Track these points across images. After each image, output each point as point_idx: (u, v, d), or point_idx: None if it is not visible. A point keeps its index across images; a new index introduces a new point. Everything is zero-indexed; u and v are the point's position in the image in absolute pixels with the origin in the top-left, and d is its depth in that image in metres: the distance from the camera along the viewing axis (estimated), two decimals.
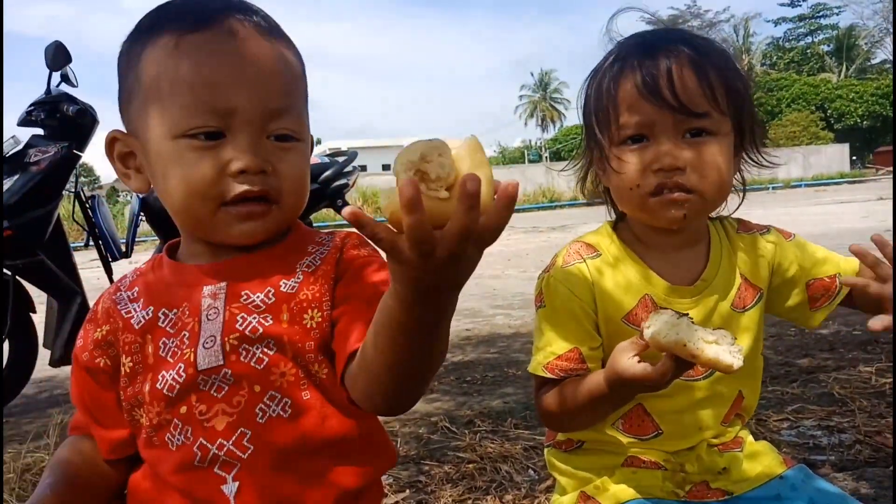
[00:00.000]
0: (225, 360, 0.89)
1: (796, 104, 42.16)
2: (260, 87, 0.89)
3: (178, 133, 0.88)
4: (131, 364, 0.94)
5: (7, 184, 3.34)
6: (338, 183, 4.15)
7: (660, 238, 1.15)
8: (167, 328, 0.93)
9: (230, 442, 0.88)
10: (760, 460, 1.19)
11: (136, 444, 0.96)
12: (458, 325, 4.69)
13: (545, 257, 1.23)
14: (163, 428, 0.91)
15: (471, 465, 2.19)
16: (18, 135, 3.59)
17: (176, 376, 0.90)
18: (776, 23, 55.39)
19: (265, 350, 0.90)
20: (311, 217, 4.37)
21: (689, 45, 1.08)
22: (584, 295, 1.14)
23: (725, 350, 0.88)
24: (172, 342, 0.92)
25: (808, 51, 52.70)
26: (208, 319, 0.91)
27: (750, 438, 1.23)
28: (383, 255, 0.70)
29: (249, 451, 0.88)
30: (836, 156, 32.33)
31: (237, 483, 0.88)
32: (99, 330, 0.98)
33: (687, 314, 0.91)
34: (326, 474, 0.92)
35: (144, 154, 0.93)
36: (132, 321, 0.95)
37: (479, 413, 2.72)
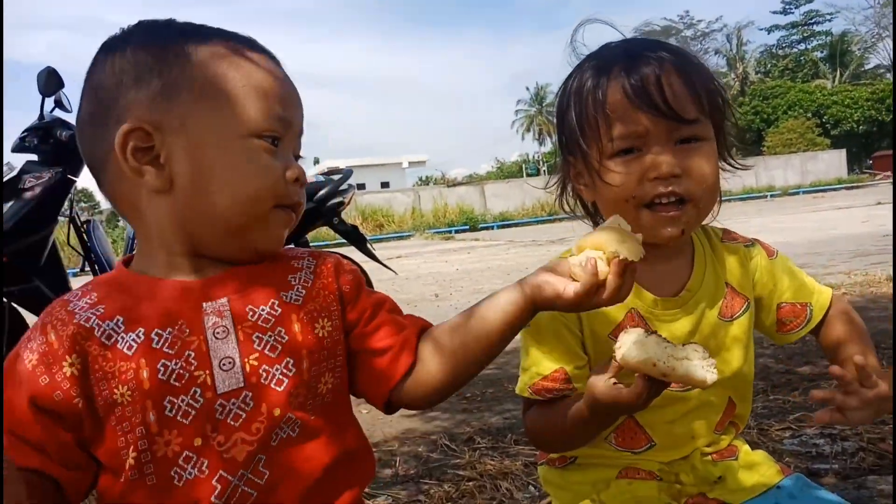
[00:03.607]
0: (245, 382, 0.87)
1: (792, 111, 42.20)
2: (300, 108, 0.98)
3: (250, 133, 0.89)
4: (129, 393, 0.84)
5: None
6: (333, 201, 4.14)
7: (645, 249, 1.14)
8: (164, 349, 0.86)
9: (250, 471, 0.86)
10: (757, 470, 1.18)
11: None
12: None
13: None
14: (168, 461, 0.84)
15: (471, 483, 2.17)
16: (12, 161, 3.60)
17: (192, 402, 0.85)
18: (769, 30, 55.57)
19: (285, 371, 0.89)
20: (308, 236, 4.37)
21: (669, 51, 1.08)
22: (568, 314, 1.12)
23: (697, 365, 0.86)
24: (176, 364, 0.85)
25: (802, 58, 52.78)
26: (216, 338, 0.87)
27: (746, 448, 1.22)
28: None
29: (266, 476, 0.87)
30: (833, 162, 32.30)
31: None
32: (68, 365, 0.84)
33: (655, 332, 0.90)
34: (328, 496, 0.92)
35: (190, 148, 0.88)
36: (119, 346, 0.85)
37: (478, 430, 2.70)
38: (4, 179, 3.41)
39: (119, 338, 0.85)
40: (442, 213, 25.38)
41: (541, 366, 1.12)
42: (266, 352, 0.88)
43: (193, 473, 0.84)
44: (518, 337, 1.03)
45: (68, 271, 3.86)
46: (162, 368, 0.85)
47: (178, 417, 0.84)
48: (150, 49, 0.90)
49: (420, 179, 57.53)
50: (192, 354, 0.86)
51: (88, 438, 0.86)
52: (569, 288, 0.88)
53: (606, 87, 1.07)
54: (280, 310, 0.91)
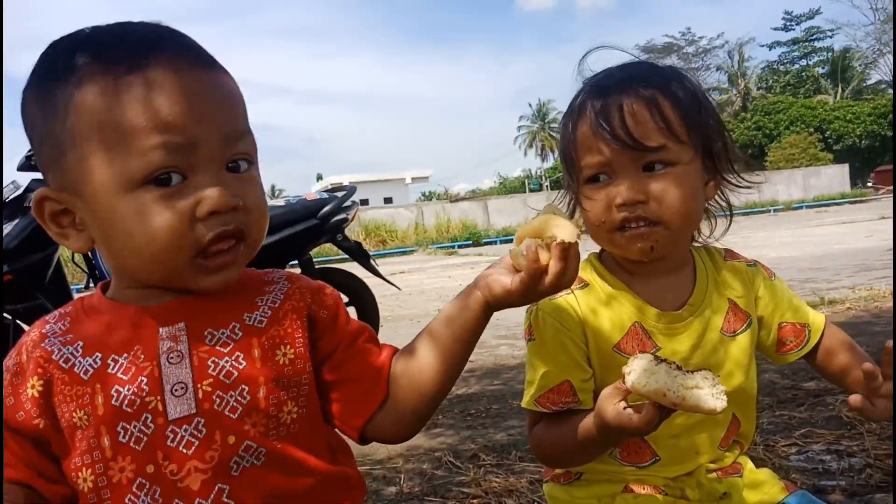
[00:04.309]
0: (198, 409, 0.83)
1: (794, 126, 42.30)
2: (215, 115, 0.83)
3: (133, 185, 0.80)
4: (85, 417, 0.84)
5: (7, 228, 3.37)
6: (337, 218, 4.15)
7: (642, 266, 1.16)
8: (118, 375, 0.84)
9: (209, 501, 0.83)
10: (762, 488, 1.18)
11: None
12: None
13: None
14: (123, 488, 0.83)
15: (475, 501, 2.16)
16: (18, 179, 3.62)
17: (143, 428, 0.83)
18: (770, 47, 55.87)
19: (239, 398, 0.85)
20: (311, 252, 4.37)
21: (641, 81, 1.10)
22: (573, 326, 1.14)
23: (707, 394, 0.87)
24: (128, 389, 0.83)
25: (804, 73, 53.00)
26: (170, 363, 0.85)
27: (750, 465, 1.22)
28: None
29: None
30: (836, 176, 32.29)
31: None
32: (30, 387, 0.86)
33: (665, 360, 0.90)
34: None
35: (89, 211, 0.84)
36: (76, 370, 0.85)
37: (483, 447, 2.68)
38: (11, 197, 3.43)
39: (76, 362, 0.85)
40: (445, 228, 25.41)
41: (547, 378, 1.13)
42: (221, 377, 0.85)
43: (147, 502, 0.82)
44: (523, 351, 1.03)
45: (72, 287, 3.87)
46: (115, 394, 0.83)
47: (131, 444, 0.83)
48: (41, 97, 0.83)
49: (423, 195, 57.75)
50: (145, 380, 0.84)
51: (59, 456, 0.87)
52: (515, 279, 0.88)
53: (577, 118, 1.13)
54: (241, 334, 0.88)
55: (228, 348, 0.87)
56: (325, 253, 14.93)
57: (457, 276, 11.68)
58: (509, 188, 61.28)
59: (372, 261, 4.48)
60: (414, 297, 8.54)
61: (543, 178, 58.08)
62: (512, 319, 6.09)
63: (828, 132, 42.41)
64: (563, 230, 0.87)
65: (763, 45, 58.79)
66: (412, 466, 2.55)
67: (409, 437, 0.98)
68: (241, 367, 0.86)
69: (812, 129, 42.06)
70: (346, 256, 4.47)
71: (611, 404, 0.93)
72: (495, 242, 23.84)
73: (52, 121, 0.82)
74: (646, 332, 1.14)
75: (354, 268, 4.47)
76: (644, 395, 0.88)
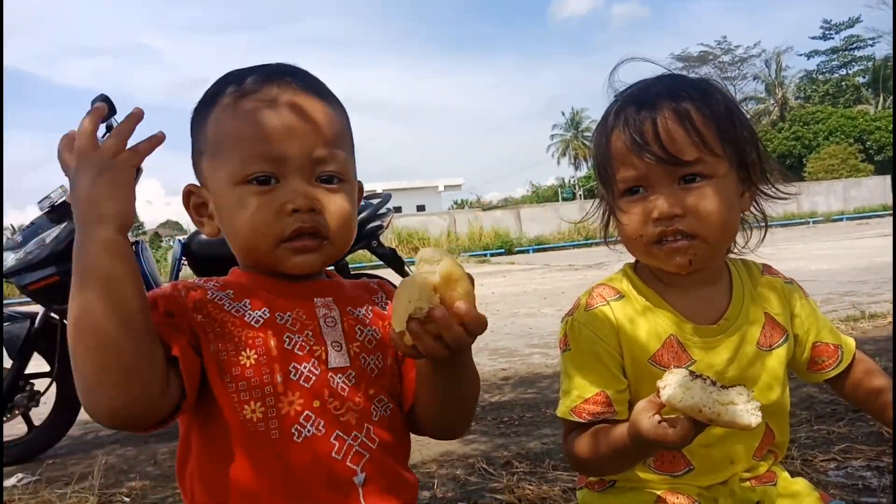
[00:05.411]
0: (351, 363, 1.03)
1: (834, 136, 41.52)
2: (306, 137, 1.02)
3: (239, 180, 1.00)
4: (256, 356, 0.98)
5: (55, 231, 3.47)
6: (372, 225, 4.19)
7: (678, 278, 1.16)
8: (287, 325, 1.01)
9: (363, 434, 1.00)
10: (797, 497, 1.18)
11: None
12: (495, 365, 4.68)
13: None
14: (290, 419, 0.97)
15: None
16: (66, 184, 3.72)
17: (312, 369, 1.00)
18: (808, 56, 54.82)
19: (377, 361, 1.06)
20: (347, 258, 4.42)
21: (674, 95, 1.11)
22: (608, 338, 1.15)
23: (742, 409, 0.88)
24: (298, 337, 1.01)
25: (843, 83, 51.89)
26: (327, 325, 1.04)
27: (785, 474, 1.22)
28: None
29: (376, 444, 1.01)
30: (877, 188, 31.56)
31: (364, 474, 0.99)
32: (196, 315, 0.98)
33: (700, 375, 0.91)
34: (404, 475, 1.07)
35: (214, 202, 1.06)
36: (247, 319, 1.00)
37: (516, 454, 2.70)
38: (60, 201, 3.54)
39: (247, 314, 1.01)
40: (477, 236, 25.41)
41: (583, 388, 1.14)
42: (365, 343, 1.06)
43: (312, 431, 0.97)
44: (557, 360, 1.05)
45: None
46: (287, 339, 1.00)
47: (301, 381, 0.98)
48: (195, 117, 1.08)
49: (455, 203, 57.72)
50: (311, 334, 1.02)
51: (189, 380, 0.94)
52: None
53: (612, 134, 1.14)
54: (372, 314, 1.09)
55: (367, 321, 1.08)
56: (358, 259, 15.04)
57: (489, 284, 11.68)
58: (542, 197, 60.96)
59: (406, 267, 4.51)
60: None
61: (576, 186, 57.76)
62: (545, 329, 6.09)
63: (868, 142, 41.52)
64: (396, 317, 0.87)
65: (801, 55, 57.75)
66: (446, 472, 2.57)
67: (447, 437, 1.14)
68: (378, 336, 1.07)
69: (852, 140, 41.23)
70: (380, 262, 4.51)
71: (646, 417, 0.94)
72: (528, 251, 23.77)
73: (198, 133, 1.07)
74: (681, 344, 1.14)
75: (389, 274, 4.51)
76: (680, 410, 0.89)
